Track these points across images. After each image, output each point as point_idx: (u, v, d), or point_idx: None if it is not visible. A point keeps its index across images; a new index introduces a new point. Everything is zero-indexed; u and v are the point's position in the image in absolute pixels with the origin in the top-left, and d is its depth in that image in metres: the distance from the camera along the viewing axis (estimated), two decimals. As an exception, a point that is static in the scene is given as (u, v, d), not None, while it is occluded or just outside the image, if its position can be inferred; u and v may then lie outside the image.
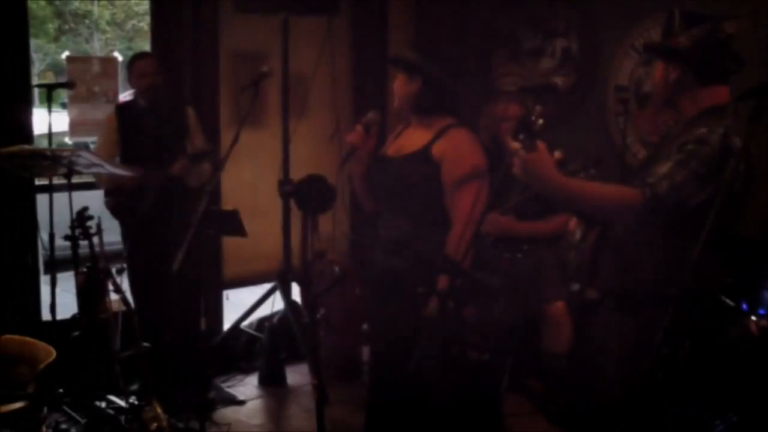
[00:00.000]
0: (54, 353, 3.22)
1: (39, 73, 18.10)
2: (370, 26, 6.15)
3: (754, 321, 3.16)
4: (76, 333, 4.29)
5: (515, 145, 2.50)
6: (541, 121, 2.49)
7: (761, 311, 2.28)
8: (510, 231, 4.48)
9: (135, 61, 4.92)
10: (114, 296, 3.87)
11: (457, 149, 3.32)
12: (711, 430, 2.65)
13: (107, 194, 4.85)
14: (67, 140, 5.78)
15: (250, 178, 5.74)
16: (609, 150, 5.30)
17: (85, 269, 3.94)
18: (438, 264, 2.79)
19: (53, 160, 3.93)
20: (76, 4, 18.41)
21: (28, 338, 3.31)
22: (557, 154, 2.59)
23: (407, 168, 3.35)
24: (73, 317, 4.47)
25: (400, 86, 3.42)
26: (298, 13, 5.26)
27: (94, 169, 4.20)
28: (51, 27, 18.74)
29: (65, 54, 7.82)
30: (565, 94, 2.76)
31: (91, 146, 5.60)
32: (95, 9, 18.66)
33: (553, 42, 5.75)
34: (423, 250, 2.86)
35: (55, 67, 18.00)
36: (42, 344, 3.28)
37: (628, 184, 2.71)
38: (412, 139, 3.43)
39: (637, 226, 2.66)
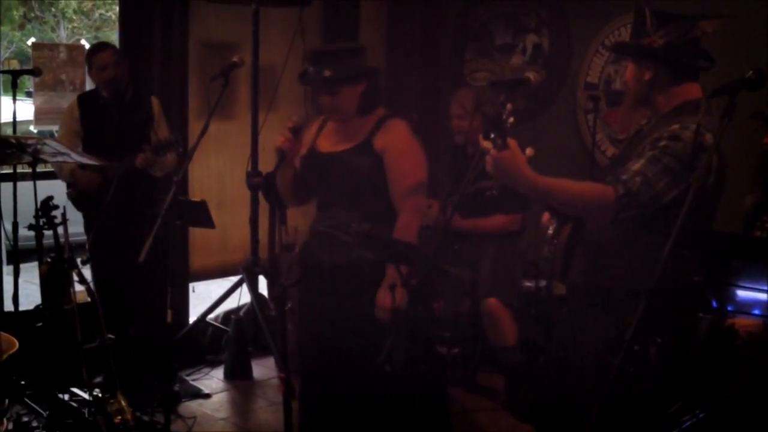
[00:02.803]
0: (17, 344, 3.16)
1: (3, 60, 17.83)
2: (342, 18, 6.11)
3: (723, 319, 3.18)
4: (40, 324, 4.21)
5: (486, 144, 2.49)
6: (512, 119, 2.48)
7: (729, 308, 2.28)
8: (450, 226, 4.45)
9: (94, 52, 4.79)
10: (78, 287, 3.81)
11: (399, 142, 3.35)
12: (679, 426, 2.66)
13: (70, 185, 4.77)
14: (32, 128, 5.69)
15: (218, 170, 5.70)
16: (578, 147, 5.32)
17: (49, 259, 3.87)
18: (409, 255, 2.76)
19: (18, 148, 3.84)
20: (43, -9, 18.11)
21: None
22: (529, 151, 2.58)
23: (350, 162, 3.35)
24: (37, 308, 4.40)
25: (345, 98, 3.32)
26: (269, 3, 5.22)
27: (60, 158, 4.12)
28: (16, 14, 18.41)
29: (31, 41, 7.67)
30: (537, 88, 2.75)
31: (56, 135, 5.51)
32: (62, -3, 18.38)
33: (524, 38, 5.76)
34: (393, 240, 2.85)
35: (20, 56, 17.73)
36: (4, 335, 3.22)
37: (600, 180, 2.72)
38: (348, 133, 3.40)
39: (610, 223, 2.66)
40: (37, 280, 4.20)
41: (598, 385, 2.61)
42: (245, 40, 5.27)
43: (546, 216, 3.08)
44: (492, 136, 2.46)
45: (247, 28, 5.18)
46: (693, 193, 2.26)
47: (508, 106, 2.46)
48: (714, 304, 2.21)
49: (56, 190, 4.26)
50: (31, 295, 4.32)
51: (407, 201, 3.32)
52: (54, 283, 3.95)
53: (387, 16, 6.35)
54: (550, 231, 3.04)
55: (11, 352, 3.11)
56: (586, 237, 2.85)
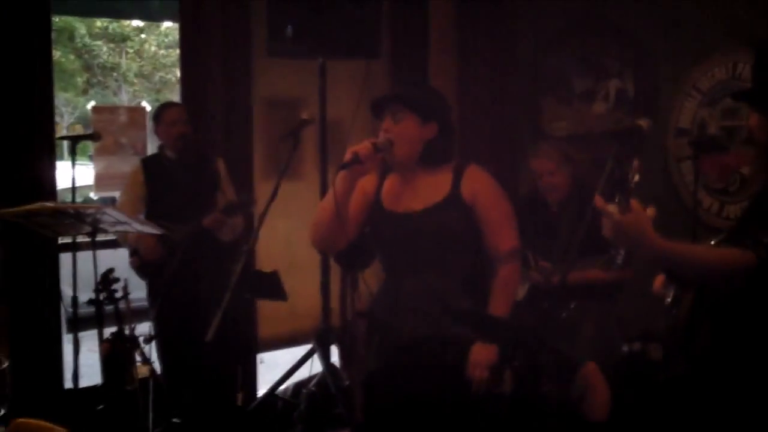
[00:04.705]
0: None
1: (68, 126, 18.17)
2: (411, 71, 5.87)
3: None
4: (101, 406, 3.95)
5: (611, 208, 2.15)
6: (637, 177, 2.14)
7: None
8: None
9: (164, 109, 4.72)
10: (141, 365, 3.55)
11: (489, 189, 3.12)
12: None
13: (133, 253, 4.57)
14: (92, 195, 5.52)
15: (284, 233, 5.43)
16: (673, 198, 4.95)
17: (110, 337, 3.62)
18: (515, 334, 2.43)
19: (76, 218, 3.65)
20: (105, 57, 18.48)
21: (43, 422, 2.96)
22: (650, 211, 2.23)
23: (442, 219, 3.05)
24: (98, 388, 4.15)
25: (409, 130, 3.03)
26: (336, 57, 4.99)
27: (120, 228, 3.92)
28: (80, 80, 18.79)
29: (91, 104, 7.60)
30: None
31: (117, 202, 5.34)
32: (123, 62, 18.75)
33: (606, 83, 5.44)
34: (505, 324, 2.52)
35: (84, 121, 18.04)
36: (59, 429, 2.93)
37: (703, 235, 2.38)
38: (424, 189, 3.11)
39: (745, 289, 2.29)
40: (97, 349, 3.96)
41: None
42: (310, 96, 5.05)
43: (659, 280, 2.73)
44: (617, 198, 2.11)
45: (312, 84, 4.97)
46: None
47: (635, 162, 2.12)
48: None
49: (118, 260, 4.05)
50: (92, 366, 4.07)
51: (506, 256, 3.05)
52: (116, 363, 3.71)
53: (457, 69, 6.09)
54: (668, 299, 2.70)
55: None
56: (714, 305, 2.49)
